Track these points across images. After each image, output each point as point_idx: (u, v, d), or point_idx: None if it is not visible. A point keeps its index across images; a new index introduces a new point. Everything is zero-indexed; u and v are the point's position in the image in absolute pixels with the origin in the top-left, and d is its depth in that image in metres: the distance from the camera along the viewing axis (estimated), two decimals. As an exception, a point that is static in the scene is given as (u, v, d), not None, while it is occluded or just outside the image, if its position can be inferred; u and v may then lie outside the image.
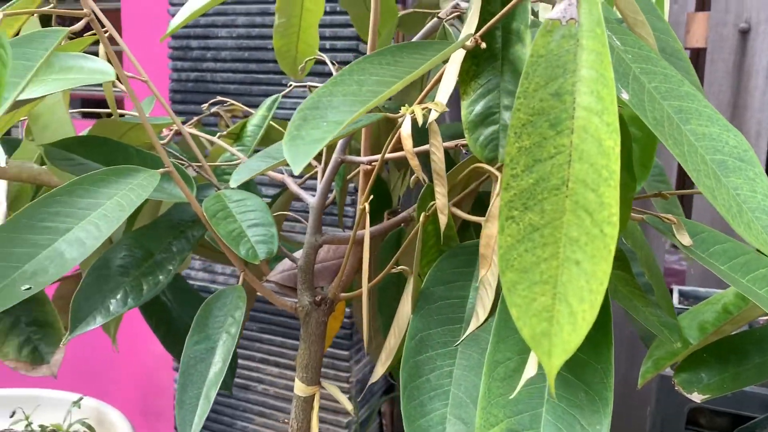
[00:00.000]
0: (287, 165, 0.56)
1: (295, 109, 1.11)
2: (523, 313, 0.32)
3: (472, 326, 0.46)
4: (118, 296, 0.52)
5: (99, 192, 0.44)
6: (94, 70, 0.50)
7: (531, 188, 0.32)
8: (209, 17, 1.17)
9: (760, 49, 1.12)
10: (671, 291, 1.10)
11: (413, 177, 0.53)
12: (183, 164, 0.59)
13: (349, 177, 0.65)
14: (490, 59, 0.42)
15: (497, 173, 0.43)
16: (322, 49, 1.02)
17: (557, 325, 0.31)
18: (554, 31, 0.33)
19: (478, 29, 0.42)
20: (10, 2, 0.54)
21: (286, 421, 1.12)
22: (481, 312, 0.46)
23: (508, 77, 0.41)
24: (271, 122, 0.69)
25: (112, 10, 1.33)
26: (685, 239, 0.46)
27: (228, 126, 0.90)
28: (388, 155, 0.50)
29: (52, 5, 0.54)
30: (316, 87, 0.75)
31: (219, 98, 0.78)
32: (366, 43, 1.08)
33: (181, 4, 1.17)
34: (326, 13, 1.05)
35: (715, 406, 0.85)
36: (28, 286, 0.37)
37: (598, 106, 0.31)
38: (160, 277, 0.54)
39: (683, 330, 0.55)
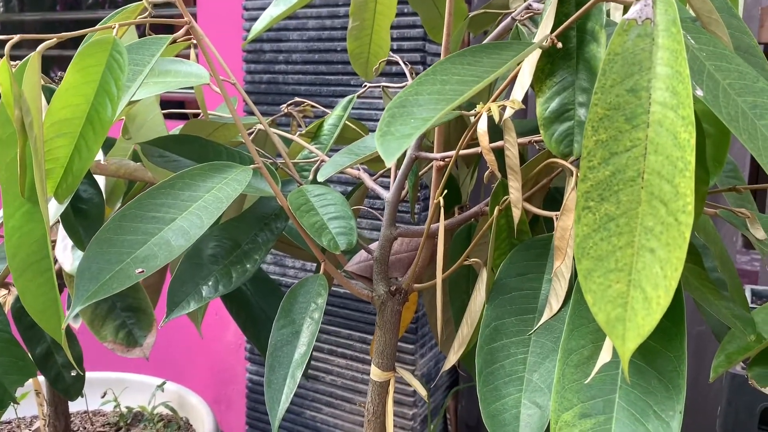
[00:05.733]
0: (365, 163, 0.59)
1: (365, 109, 1.15)
2: (599, 299, 0.34)
3: (546, 316, 0.48)
4: (210, 283, 0.56)
5: (198, 185, 0.48)
6: (190, 73, 0.55)
7: (607, 180, 0.34)
8: (281, 21, 1.22)
9: (840, 42, 1.09)
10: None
11: (487, 172, 0.55)
12: (267, 161, 0.63)
13: (421, 173, 0.68)
14: (564, 58, 0.44)
15: (572, 168, 0.44)
16: (390, 50, 1.05)
17: (631, 310, 0.33)
18: (630, 30, 0.35)
19: (553, 30, 0.44)
20: (113, 14, 0.59)
21: (362, 405, 1.15)
22: (554, 302, 0.48)
23: (582, 75, 0.43)
24: (345, 121, 0.73)
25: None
26: (759, 233, 0.47)
27: (299, 125, 0.95)
28: (461, 152, 0.52)
29: (147, 14, 0.59)
30: (389, 87, 0.78)
31: (297, 99, 0.81)
32: (433, 43, 1.11)
33: (255, 9, 1.23)
34: (394, 14, 1.09)
35: (789, 406, 0.84)
36: (140, 270, 0.41)
37: (674, 101, 0.33)
38: (248, 265, 0.58)
39: (757, 325, 0.55)
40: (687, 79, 0.32)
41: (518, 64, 0.39)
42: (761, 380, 0.52)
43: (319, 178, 0.50)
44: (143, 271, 0.41)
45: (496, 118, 0.44)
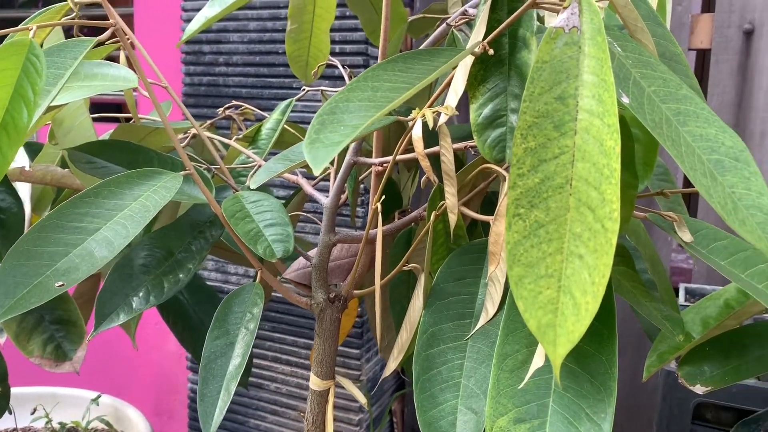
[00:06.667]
0: (304, 167, 0.58)
1: (306, 112, 1.14)
2: (530, 305, 0.34)
3: (482, 321, 0.48)
4: (141, 294, 0.54)
5: (124, 194, 0.46)
6: (117, 77, 0.53)
7: (536, 187, 0.34)
8: (221, 23, 1.20)
9: (764, 49, 1.14)
10: (677, 289, 1.12)
11: (424, 177, 0.55)
12: (201, 167, 0.61)
13: (360, 178, 0.67)
14: (497, 64, 0.44)
15: (505, 173, 0.45)
16: (332, 53, 1.03)
17: (562, 316, 0.33)
18: (558, 38, 0.35)
19: (485, 36, 0.44)
20: (34, 15, 0.57)
21: (302, 414, 1.14)
22: (490, 307, 0.48)
23: (514, 82, 0.43)
24: (284, 125, 0.71)
25: (125, 15, 1.36)
26: (685, 236, 0.48)
27: (240, 129, 0.93)
28: (399, 157, 0.52)
29: (74, 15, 0.57)
30: (329, 91, 0.77)
31: (234, 102, 0.80)
32: (375, 46, 1.10)
33: (194, 10, 1.20)
34: (336, 17, 1.08)
35: (720, 401, 0.87)
36: (61, 283, 0.39)
37: (600, 109, 0.33)
38: (181, 275, 0.56)
39: (686, 325, 0.57)
40: (612, 87, 0.33)
41: (453, 69, 0.39)
42: (690, 379, 0.54)
43: (252, 185, 0.49)
44: (63, 285, 0.39)
45: (430, 124, 0.44)
